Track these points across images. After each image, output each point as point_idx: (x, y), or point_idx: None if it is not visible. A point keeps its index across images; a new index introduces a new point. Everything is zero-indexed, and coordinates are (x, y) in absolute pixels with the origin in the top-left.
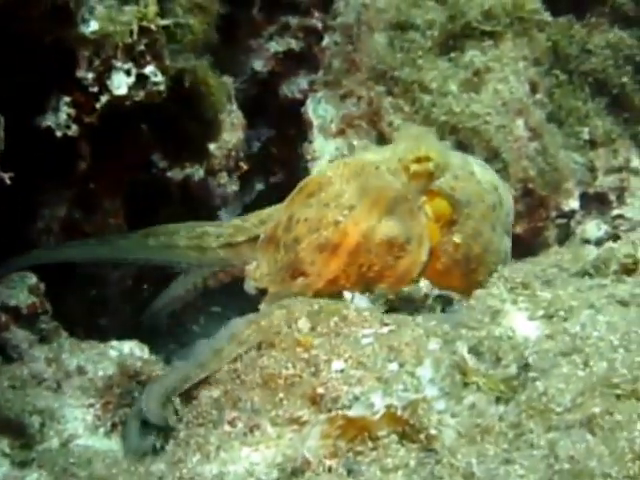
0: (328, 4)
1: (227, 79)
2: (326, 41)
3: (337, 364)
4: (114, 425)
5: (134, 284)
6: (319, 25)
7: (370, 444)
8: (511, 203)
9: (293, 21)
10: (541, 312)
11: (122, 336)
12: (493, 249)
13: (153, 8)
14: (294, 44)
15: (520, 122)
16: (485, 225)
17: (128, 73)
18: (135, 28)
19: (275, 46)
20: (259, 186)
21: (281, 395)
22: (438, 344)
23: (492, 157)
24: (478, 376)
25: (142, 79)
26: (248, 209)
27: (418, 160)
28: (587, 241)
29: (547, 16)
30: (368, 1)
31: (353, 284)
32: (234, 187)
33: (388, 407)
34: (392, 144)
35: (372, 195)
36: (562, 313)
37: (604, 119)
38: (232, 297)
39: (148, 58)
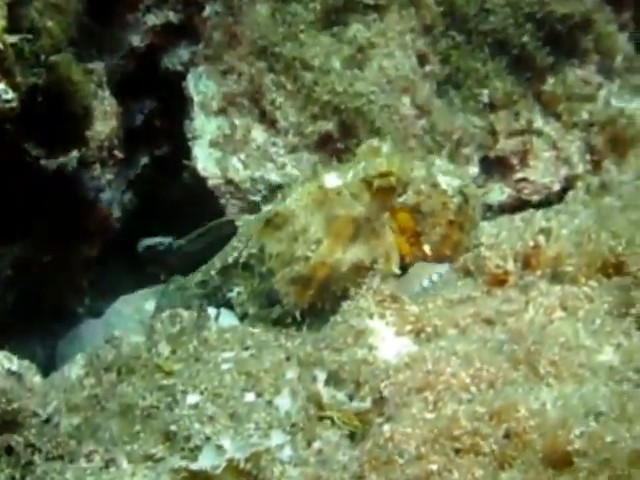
0: None
1: (98, 65)
2: (207, 11)
3: (192, 397)
4: None
5: (14, 273)
6: None
7: None
8: (477, 195)
9: None
10: (408, 327)
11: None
12: (462, 249)
13: (1, 24)
14: (172, 16)
15: (406, 100)
16: (453, 228)
17: None
18: None
19: (153, 19)
20: (144, 160)
21: (138, 427)
22: (296, 372)
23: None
24: (333, 410)
25: None
26: (133, 184)
27: (381, 175)
28: (489, 207)
29: None
30: None
31: (331, 305)
32: (108, 176)
33: (230, 460)
34: (353, 161)
35: (336, 226)
36: (429, 330)
37: (505, 80)
38: (116, 279)
39: None
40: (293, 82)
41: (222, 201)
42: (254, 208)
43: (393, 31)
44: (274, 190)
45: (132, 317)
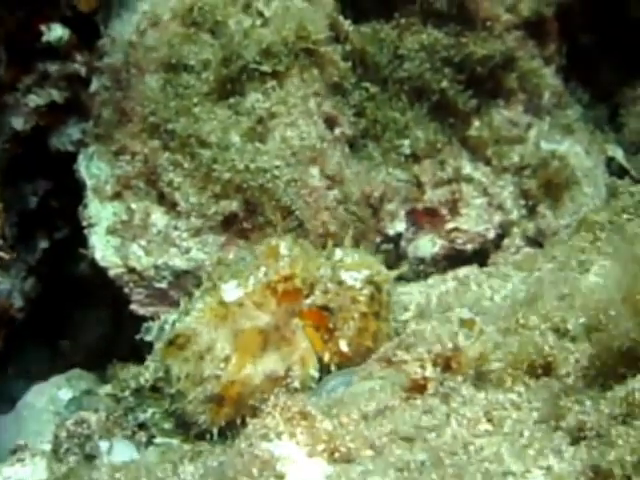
0: (91, 41)
1: None
2: (94, 86)
3: None
4: None
5: None
6: (83, 70)
7: None
8: (390, 279)
9: (52, 68)
10: (321, 447)
11: None
12: (382, 336)
13: None
14: (56, 95)
15: (315, 171)
16: (368, 320)
17: None
18: None
19: (35, 99)
20: (43, 244)
21: None
22: None
23: (285, 215)
24: None
25: None
26: (34, 270)
27: (285, 279)
28: (422, 260)
29: (348, 25)
30: (135, 39)
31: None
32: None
33: None
34: (252, 265)
35: (243, 340)
36: (343, 449)
37: (426, 128)
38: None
39: None
40: (190, 160)
41: (126, 290)
42: (161, 296)
43: (295, 97)
44: (180, 276)
45: (46, 408)
